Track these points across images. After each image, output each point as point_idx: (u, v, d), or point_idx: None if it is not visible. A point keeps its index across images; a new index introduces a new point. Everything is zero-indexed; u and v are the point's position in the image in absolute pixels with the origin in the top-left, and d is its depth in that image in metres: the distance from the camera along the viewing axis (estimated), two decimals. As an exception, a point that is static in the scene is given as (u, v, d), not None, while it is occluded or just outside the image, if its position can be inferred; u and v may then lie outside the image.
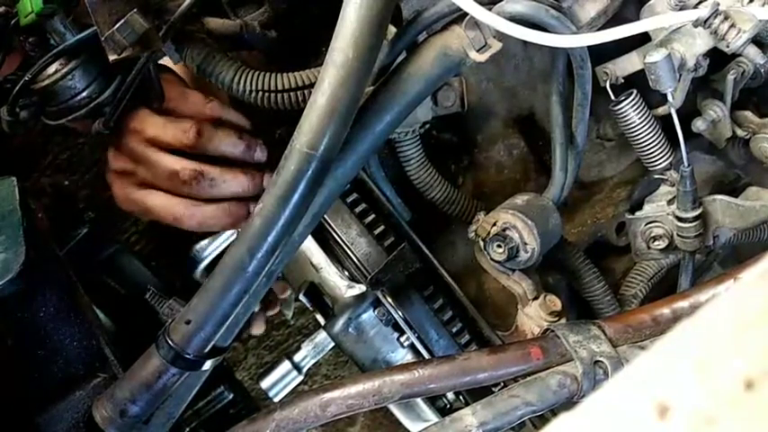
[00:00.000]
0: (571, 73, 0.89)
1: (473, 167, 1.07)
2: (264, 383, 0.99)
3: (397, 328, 0.95)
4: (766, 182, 1.02)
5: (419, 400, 0.96)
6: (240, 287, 0.69)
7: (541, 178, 1.06)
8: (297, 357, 0.98)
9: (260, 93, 0.81)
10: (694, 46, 0.86)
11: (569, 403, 0.77)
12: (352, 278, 0.95)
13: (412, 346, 0.95)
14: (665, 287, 1.05)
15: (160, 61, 0.89)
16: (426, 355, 0.94)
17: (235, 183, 0.89)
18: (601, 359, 0.77)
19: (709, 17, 0.79)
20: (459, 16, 0.76)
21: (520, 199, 0.93)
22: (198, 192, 0.89)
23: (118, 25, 0.72)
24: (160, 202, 0.91)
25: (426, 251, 0.94)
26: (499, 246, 0.88)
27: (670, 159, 0.94)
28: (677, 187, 0.91)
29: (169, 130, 0.88)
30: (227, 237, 1.10)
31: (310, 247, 0.96)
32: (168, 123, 0.89)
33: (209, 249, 1.11)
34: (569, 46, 0.78)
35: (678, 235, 0.94)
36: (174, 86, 0.92)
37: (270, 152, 0.93)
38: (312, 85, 0.80)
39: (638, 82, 0.92)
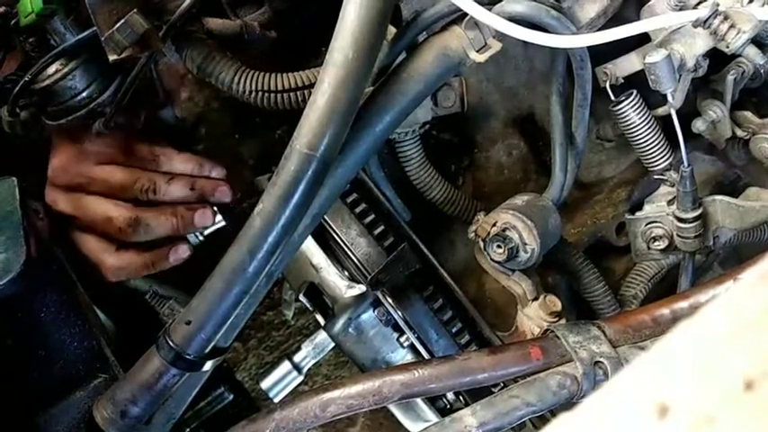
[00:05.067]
0: (571, 73, 0.89)
1: (473, 168, 1.07)
2: (264, 384, 0.99)
3: (396, 328, 0.95)
4: (766, 182, 1.02)
5: (419, 401, 0.96)
6: (240, 288, 0.69)
7: (541, 179, 1.06)
8: (297, 358, 0.98)
9: (260, 93, 0.81)
10: (694, 46, 0.86)
11: (569, 404, 0.77)
12: (352, 278, 0.95)
13: (412, 347, 0.95)
14: (665, 287, 1.05)
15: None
16: (426, 356, 0.93)
17: (167, 225, 0.95)
18: (601, 360, 0.77)
19: (709, 17, 0.79)
20: (459, 16, 0.76)
21: (520, 199, 0.93)
22: (132, 239, 0.94)
23: (118, 25, 0.72)
24: (92, 245, 0.95)
25: (426, 251, 0.94)
26: (499, 246, 0.88)
27: (670, 160, 0.94)
28: (677, 188, 0.90)
29: (121, 177, 0.94)
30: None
31: (310, 247, 0.96)
32: (121, 170, 0.94)
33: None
34: (569, 46, 0.78)
35: (678, 235, 0.94)
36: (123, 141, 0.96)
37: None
38: (312, 85, 0.80)
39: (637, 82, 0.92)
